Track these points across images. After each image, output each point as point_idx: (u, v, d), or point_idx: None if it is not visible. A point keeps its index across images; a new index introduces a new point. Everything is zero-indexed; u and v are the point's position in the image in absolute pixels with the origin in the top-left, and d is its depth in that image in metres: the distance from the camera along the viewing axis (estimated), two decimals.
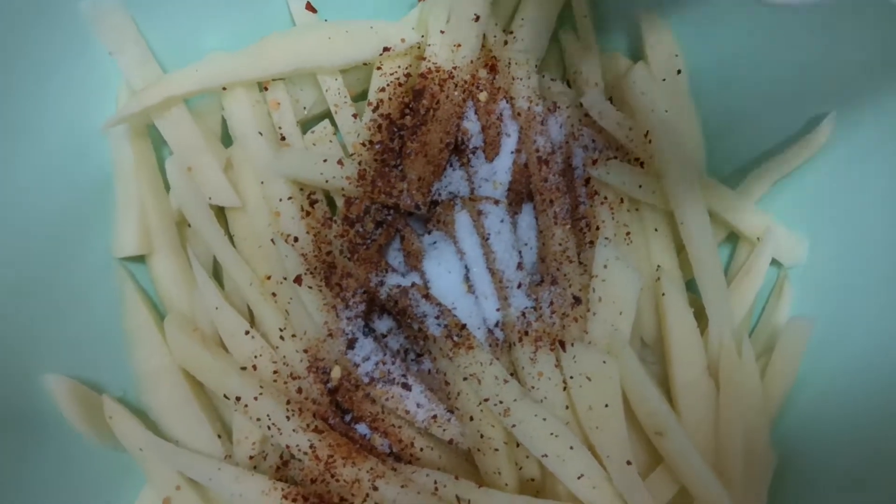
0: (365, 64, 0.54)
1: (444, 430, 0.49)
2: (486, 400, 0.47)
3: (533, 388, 0.48)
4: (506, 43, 0.55)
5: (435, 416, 0.49)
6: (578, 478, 0.46)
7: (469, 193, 0.53)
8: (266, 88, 0.54)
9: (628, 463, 0.46)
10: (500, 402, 0.47)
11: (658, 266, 0.52)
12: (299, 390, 0.50)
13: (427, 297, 0.49)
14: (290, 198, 0.52)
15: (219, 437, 0.50)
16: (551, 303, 0.50)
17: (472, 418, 0.48)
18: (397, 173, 0.51)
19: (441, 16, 0.53)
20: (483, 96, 0.53)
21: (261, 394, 0.48)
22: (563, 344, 0.48)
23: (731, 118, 0.55)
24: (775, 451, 0.50)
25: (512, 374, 0.48)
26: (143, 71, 0.51)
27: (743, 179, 0.55)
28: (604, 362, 0.47)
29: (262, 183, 0.52)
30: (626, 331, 0.49)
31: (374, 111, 0.53)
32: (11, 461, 0.45)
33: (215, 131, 0.55)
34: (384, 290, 0.50)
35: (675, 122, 0.53)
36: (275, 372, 0.50)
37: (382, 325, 0.52)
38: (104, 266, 0.52)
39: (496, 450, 0.47)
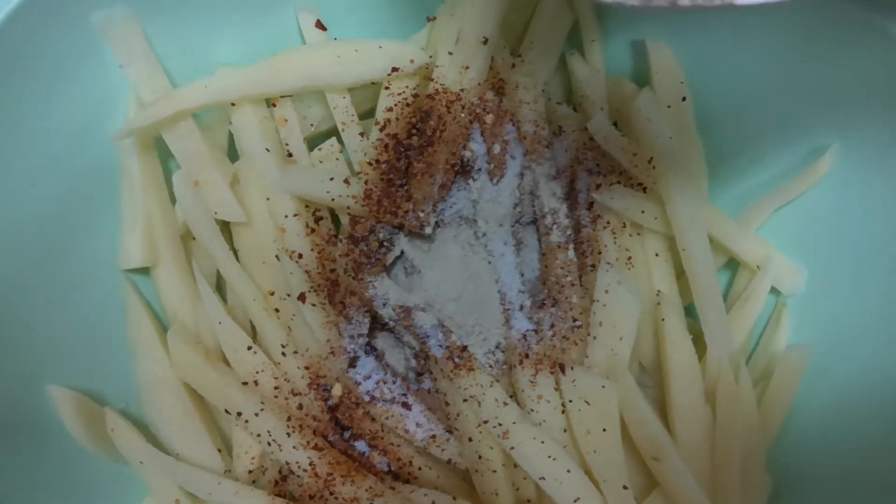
0: (373, 83, 0.54)
1: (442, 449, 0.50)
2: (485, 421, 0.47)
3: (532, 410, 0.48)
4: (513, 66, 0.55)
5: (434, 436, 0.50)
6: (575, 501, 0.46)
7: (473, 215, 0.53)
8: (274, 105, 0.54)
9: (625, 487, 0.46)
10: (500, 424, 0.47)
11: (658, 291, 0.53)
12: (300, 407, 0.50)
13: (429, 317, 0.50)
14: (295, 214, 0.52)
15: (219, 451, 0.51)
16: (552, 325, 0.50)
17: (470, 439, 0.48)
18: (403, 193, 0.51)
19: (450, 37, 0.53)
20: (489, 118, 0.53)
21: (262, 409, 0.48)
22: (562, 367, 0.49)
23: (734, 146, 0.55)
24: (771, 476, 0.51)
25: (511, 397, 0.49)
26: (153, 84, 0.52)
27: (744, 207, 0.55)
28: (603, 387, 0.47)
29: (267, 199, 0.52)
30: (626, 355, 0.49)
31: (381, 130, 0.53)
32: (14, 471, 0.45)
33: (222, 146, 0.55)
34: (387, 310, 0.50)
35: (679, 148, 0.53)
36: (276, 388, 0.50)
37: (384, 343, 0.52)
38: (109, 277, 0.52)
39: (494, 471, 0.48)
